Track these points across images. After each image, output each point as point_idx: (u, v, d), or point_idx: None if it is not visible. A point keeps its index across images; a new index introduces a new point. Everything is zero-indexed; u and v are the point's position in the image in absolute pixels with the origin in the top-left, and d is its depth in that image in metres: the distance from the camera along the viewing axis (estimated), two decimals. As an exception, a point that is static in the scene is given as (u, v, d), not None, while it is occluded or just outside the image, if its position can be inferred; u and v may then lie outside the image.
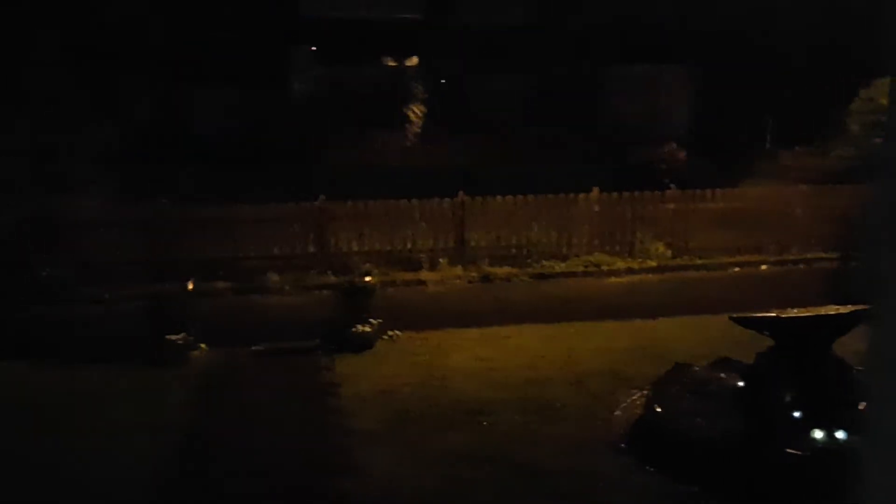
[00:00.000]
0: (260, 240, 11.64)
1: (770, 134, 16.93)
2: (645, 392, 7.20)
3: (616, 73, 17.63)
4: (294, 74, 18.34)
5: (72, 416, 7.30)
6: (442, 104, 17.74)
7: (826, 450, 5.78)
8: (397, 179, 13.79)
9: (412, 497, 6.00)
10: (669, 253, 12.31)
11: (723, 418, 6.22)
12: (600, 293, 11.20)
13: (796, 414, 6.09)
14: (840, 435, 5.84)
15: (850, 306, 6.20)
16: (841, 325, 6.24)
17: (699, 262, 12.25)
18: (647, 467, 6.24)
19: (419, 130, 18.06)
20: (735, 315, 6.68)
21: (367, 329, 9.00)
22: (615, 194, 12.33)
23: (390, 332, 9.19)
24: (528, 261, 12.03)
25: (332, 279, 11.22)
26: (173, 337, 8.69)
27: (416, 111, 18.57)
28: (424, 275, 11.61)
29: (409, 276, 11.61)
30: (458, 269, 11.73)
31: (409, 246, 11.96)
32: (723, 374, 6.82)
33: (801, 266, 12.27)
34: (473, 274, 11.68)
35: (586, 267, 12.02)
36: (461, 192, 12.02)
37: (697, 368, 7.12)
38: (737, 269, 12.22)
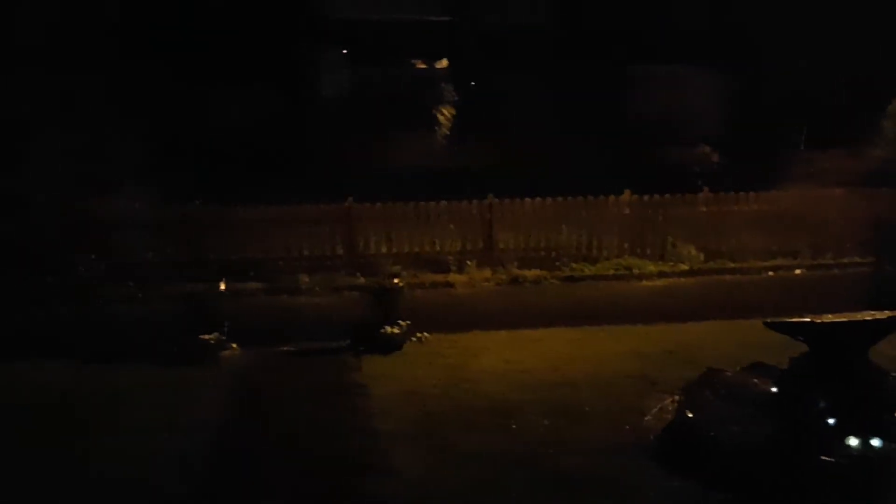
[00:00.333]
0: (290, 241, 11.74)
1: (804, 136, 16.68)
2: (676, 397, 7.13)
3: (646, 73, 17.48)
4: (323, 76, 18.47)
5: (104, 414, 7.40)
6: (471, 106, 17.74)
7: (861, 457, 5.67)
8: (426, 181, 13.83)
9: (441, 499, 5.99)
10: (702, 256, 12.19)
11: (755, 424, 6.12)
12: (631, 296, 11.11)
13: (831, 421, 5.97)
14: (876, 442, 5.72)
15: (886, 312, 6.09)
16: (877, 330, 6.12)
17: (732, 265, 12.11)
18: (678, 474, 6.17)
19: (448, 132, 18.09)
20: (769, 320, 6.58)
21: (396, 331, 9.03)
22: (646, 197, 12.23)
23: (418, 334, 9.22)
24: (557, 263, 11.98)
25: (361, 280, 11.29)
26: (206, 336, 8.80)
27: (444, 113, 18.60)
28: (452, 277, 11.62)
29: (438, 277, 11.62)
30: (487, 272, 11.72)
31: (437, 248, 11.98)
32: (756, 380, 6.71)
33: (836, 270, 12.07)
34: (502, 276, 11.67)
35: (616, 270, 11.94)
36: (490, 195, 12.00)
37: (730, 373, 7.01)
38: (770, 273, 12.06)
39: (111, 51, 13.64)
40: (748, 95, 16.34)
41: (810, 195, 12.55)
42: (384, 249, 11.90)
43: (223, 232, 11.57)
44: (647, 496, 5.98)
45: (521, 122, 16.56)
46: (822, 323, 6.36)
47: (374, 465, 6.44)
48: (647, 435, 6.83)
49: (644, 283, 11.73)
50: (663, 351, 8.69)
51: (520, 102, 17.11)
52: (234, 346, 8.98)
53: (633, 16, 16.49)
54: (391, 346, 8.93)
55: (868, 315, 6.27)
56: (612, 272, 11.90)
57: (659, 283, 11.73)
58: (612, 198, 12.20)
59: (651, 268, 11.99)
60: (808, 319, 6.41)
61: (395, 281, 9.87)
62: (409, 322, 9.17)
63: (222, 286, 9.91)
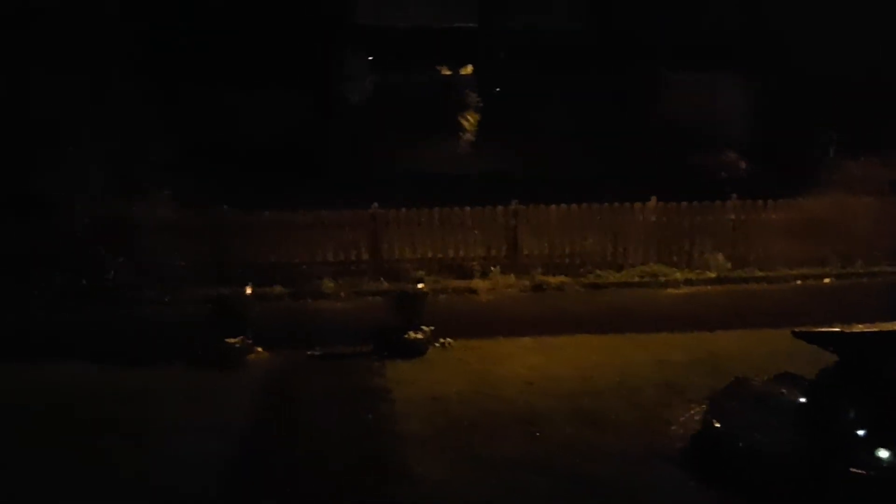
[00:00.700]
0: (315, 245, 11.79)
1: (833, 143, 16.45)
2: (702, 406, 7.07)
3: (673, 79, 17.37)
4: (349, 82, 18.57)
5: (134, 415, 7.50)
6: (495, 111, 17.74)
7: (892, 469, 5.58)
8: (450, 186, 13.84)
9: (464, 504, 5.99)
10: (729, 264, 12.05)
11: (783, 435, 6.05)
12: (657, 304, 11.02)
13: (860, 432, 5.89)
14: (907, 455, 5.63)
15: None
16: (909, 341, 6.03)
17: (760, 274, 11.97)
18: (705, 483, 6.11)
19: (472, 137, 18.10)
20: (797, 329, 6.51)
21: (419, 336, 9.04)
22: (673, 203, 12.12)
23: (442, 340, 9.22)
24: (582, 270, 11.91)
25: (385, 285, 11.31)
26: (232, 340, 8.88)
27: (469, 118, 18.62)
28: (476, 283, 11.60)
29: (461, 283, 11.61)
30: (511, 278, 11.68)
31: (461, 253, 11.97)
32: (784, 390, 6.64)
33: (866, 279, 11.89)
34: (526, 282, 11.62)
35: (642, 277, 11.84)
36: (514, 201, 11.98)
37: (758, 383, 6.94)
38: (799, 281, 11.90)
39: (141, 55, 13.83)
40: (777, 101, 16.15)
41: (839, 203, 12.36)
42: (408, 254, 11.92)
43: (249, 236, 11.66)
44: (673, 505, 5.93)
45: (545, 127, 16.53)
46: (852, 333, 6.28)
47: (395, 470, 6.46)
48: (673, 444, 6.78)
49: (670, 290, 11.63)
50: (690, 359, 8.61)
51: (545, 108, 17.07)
52: (260, 349, 9.05)
53: (661, 22, 16.39)
54: (414, 351, 8.95)
55: (899, 325, 6.18)
56: (637, 279, 11.81)
57: (685, 290, 11.62)
58: (637, 204, 12.11)
59: (677, 275, 11.88)
60: (837, 329, 6.34)
61: (419, 286, 9.89)
62: (432, 327, 9.18)
63: (248, 290, 10.00)
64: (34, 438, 7.09)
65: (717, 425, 6.49)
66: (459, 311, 10.60)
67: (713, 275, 11.90)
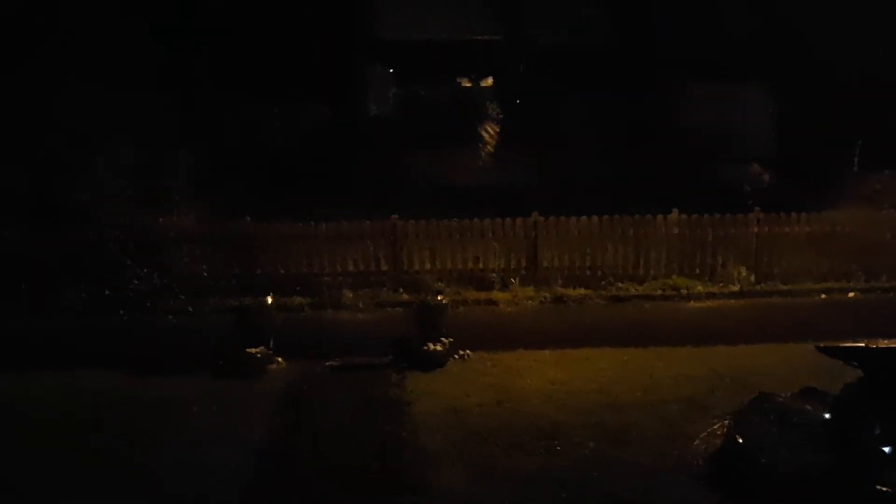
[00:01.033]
0: (335, 256, 11.85)
1: (858, 156, 16.28)
2: (725, 421, 6.99)
3: (696, 90, 17.29)
4: (371, 94, 18.71)
5: (155, 424, 7.56)
6: (516, 123, 17.76)
7: (920, 489, 5.47)
8: (470, 198, 13.86)
9: (483, 519, 5.96)
10: (753, 278, 11.94)
11: (808, 451, 5.97)
12: (679, 317, 10.93)
13: (886, 449, 5.79)
14: (935, 473, 5.52)
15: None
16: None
17: (784, 287, 11.84)
18: (727, 499, 6.03)
19: (493, 149, 18.14)
20: (821, 344, 6.43)
21: (439, 348, 9.03)
22: (696, 216, 12.04)
23: (461, 352, 9.20)
24: (603, 283, 11.85)
25: (405, 297, 11.33)
26: (252, 350, 8.94)
27: (489, 130, 18.67)
28: (496, 295, 11.58)
29: (481, 295, 11.59)
30: (531, 290, 11.65)
31: (480, 265, 11.96)
32: (808, 405, 6.55)
33: (891, 294, 11.71)
34: (546, 295, 11.58)
35: (664, 290, 11.75)
36: (535, 212, 11.97)
37: (781, 398, 6.85)
38: (823, 295, 11.75)
39: (168, 69, 14.04)
40: (801, 113, 16.02)
41: (864, 216, 12.23)
42: (428, 266, 11.94)
43: (271, 247, 11.76)
44: (695, 522, 5.86)
45: (566, 139, 16.52)
46: (877, 348, 6.19)
47: (413, 483, 6.44)
48: (695, 459, 6.70)
49: (692, 303, 11.54)
50: (712, 374, 8.53)
51: (566, 120, 17.07)
52: (280, 359, 9.10)
53: (684, 33, 16.34)
54: (433, 363, 8.94)
55: (926, 341, 6.09)
56: (659, 292, 11.72)
57: (708, 304, 11.52)
58: (659, 217, 12.05)
59: (700, 288, 11.78)
60: (862, 344, 6.25)
61: (439, 298, 9.89)
62: (451, 339, 9.17)
63: (269, 300, 10.07)
64: (56, 443, 7.17)
65: (740, 441, 6.41)
66: (479, 322, 10.58)
67: (736, 288, 11.79)
